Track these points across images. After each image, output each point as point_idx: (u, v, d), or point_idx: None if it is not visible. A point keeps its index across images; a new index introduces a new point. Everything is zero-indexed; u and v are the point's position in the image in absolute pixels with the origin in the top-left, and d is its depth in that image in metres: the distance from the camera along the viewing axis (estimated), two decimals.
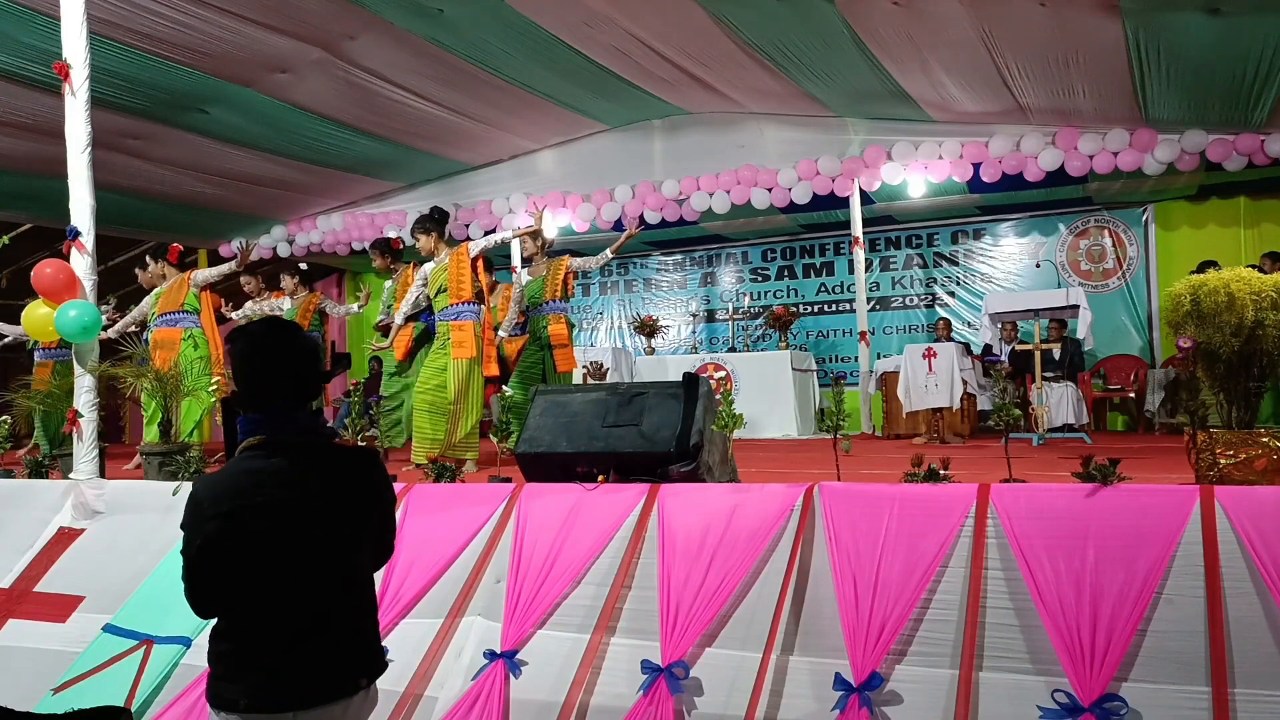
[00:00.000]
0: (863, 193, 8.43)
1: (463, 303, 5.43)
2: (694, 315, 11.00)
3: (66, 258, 4.43)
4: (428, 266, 5.78)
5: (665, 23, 6.43)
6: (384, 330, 6.63)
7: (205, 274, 6.41)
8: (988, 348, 8.59)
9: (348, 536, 1.89)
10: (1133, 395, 8.61)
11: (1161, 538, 2.47)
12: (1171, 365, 7.99)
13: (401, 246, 6.80)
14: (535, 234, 6.23)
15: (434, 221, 5.73)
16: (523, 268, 6.70)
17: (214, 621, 1.85)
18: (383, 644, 1.98)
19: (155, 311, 6.35)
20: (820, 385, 9.30)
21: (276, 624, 1.79)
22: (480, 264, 5.62)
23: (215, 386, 5.31)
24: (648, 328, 9.69)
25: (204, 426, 6.24)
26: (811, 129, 8.45)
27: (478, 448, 5.44)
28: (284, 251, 10.76)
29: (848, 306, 10.44)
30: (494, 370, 5.70)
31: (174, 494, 4.02)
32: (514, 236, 6.05)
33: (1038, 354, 6.53)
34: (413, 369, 6.06)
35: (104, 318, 6.89)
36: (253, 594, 1.78)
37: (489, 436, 4.49)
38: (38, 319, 4.48)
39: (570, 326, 6.28)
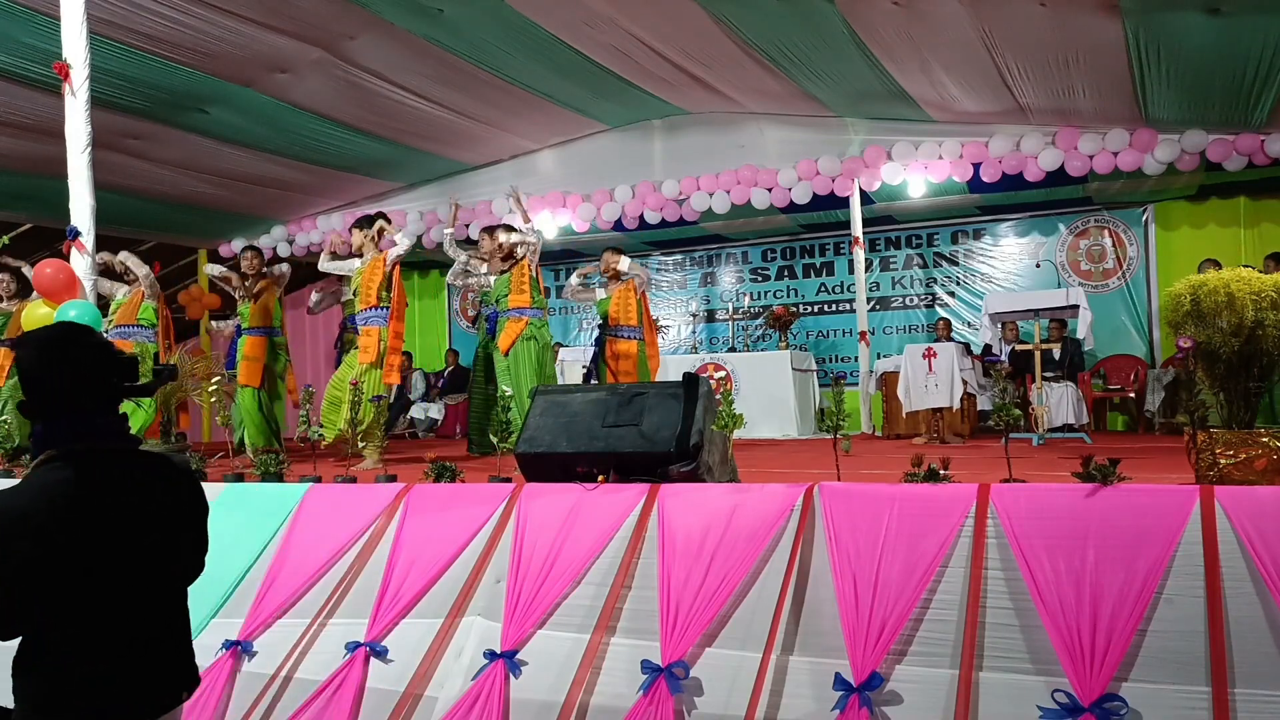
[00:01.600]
0: (863, 193, 8.43)
1: (370, 308, 5.64)
2: (694, 315, 11.00)
3: (66, 258, 4.43)
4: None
5: (665, 23, 6.43)
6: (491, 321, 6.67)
7: (150, 283, 6.39)
8: (988, 348, 8.59)
9: (159, 548, 1.78)
10: (1133, 395, 8.61)
11: (1161, 538, 2.47)
12: (1171, 365, 7.99)
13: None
14: (506, 228, 6.21)
15: (370, 222, 5.89)
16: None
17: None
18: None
19: (114, 321, 6.19)
20: (820, 385, 9.30)
21: (91, 643, 1.67)
22: (396, 272, 5.73)
23: (216, 386, 5.31)
24: None
25: (205, 427, 6.27)
26: (811, 129, 8.45)
27: (377, 446, 5.55)
28: (284, 251, 10.75)
29: (848, 306, 10.44)
30: (395, 379, 5.72)
31: None
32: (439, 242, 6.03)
33: (1038, 354, 6.53)
34: (520, 366, 5.80)
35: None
36: (65, 614, 1.65)
37: (489, 436, 4.50)
38: (37, 319, 4.48)
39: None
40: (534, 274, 5.84)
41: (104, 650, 1.68)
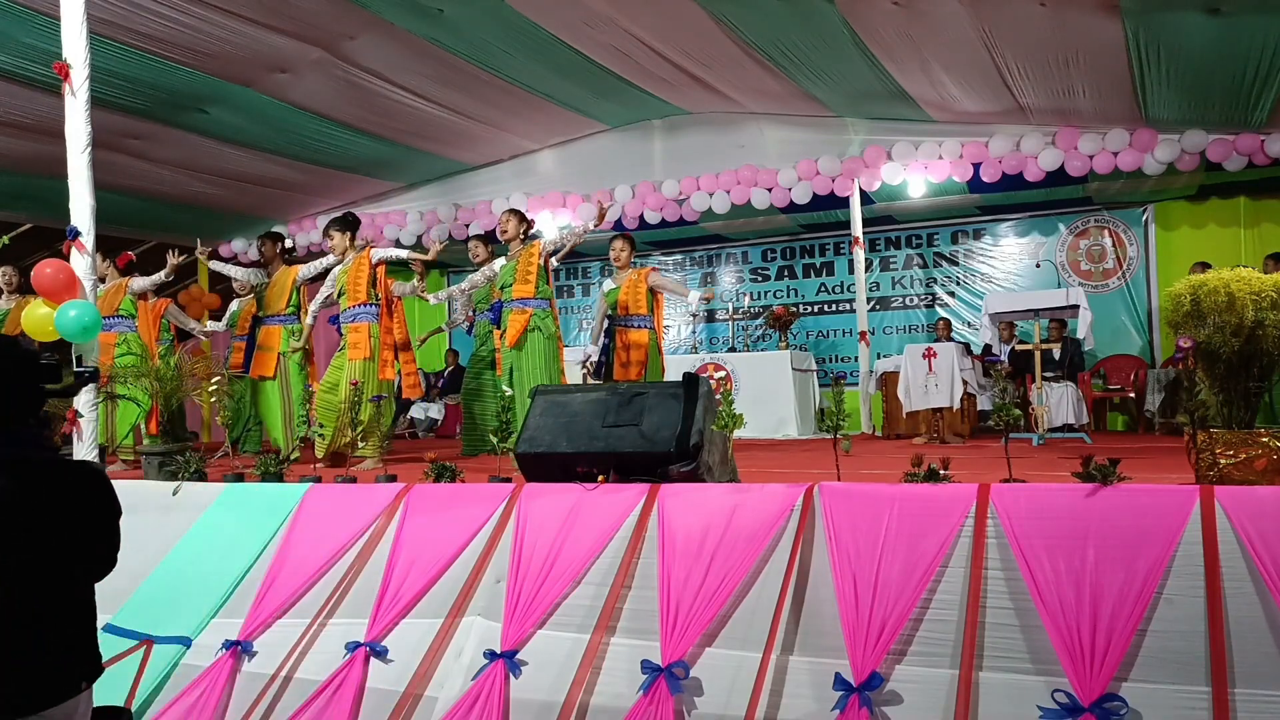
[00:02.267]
0: (863, 193, 8.43)
1: (359, 305, 5.60)
2: (694, 315, 10.99)
3: (66, 258, 4.42)
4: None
5: (665, 23, 6.44)
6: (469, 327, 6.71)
7: (141, 282, 6.42)
8: (988, 348, 8.59)
9: (67, 549, 1.89)
10: (1133, 395, 8.61)
11: (1161, 538, 2.47)
12: (1171, 365, 7.99)
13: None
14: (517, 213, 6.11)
15: (346, 223, 5.85)
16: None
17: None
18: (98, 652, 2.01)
19: None
20: (820, 385, 9.29)
21: None
22: (381, 270, 5.73)
23: (216, 386, 5.32)
24: None
25: (205, 426, 6.25)
26: (811, 129, 8.45)
27: (377, 445, 5.45)
28: None
29: (848, 306, 10.44)
30: (391, 375, 5.72)
31: (174, 494, 4.03)
32: (410, 258, 5.95)
33: (1038, 354, 6.53)
34: (524, 360, 5.75)
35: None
36: None
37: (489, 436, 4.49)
38: (38, 319, 4.47)
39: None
40: (543, 263, 5.75)
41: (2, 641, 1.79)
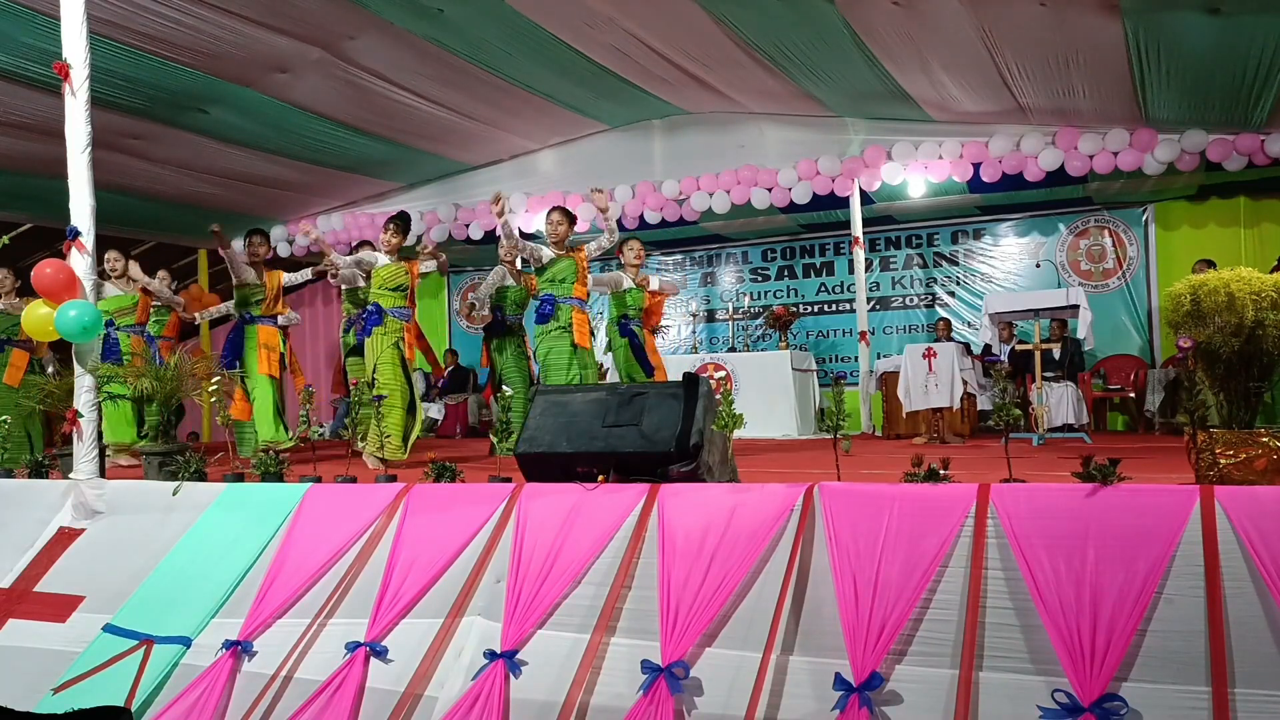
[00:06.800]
0: (863, 193, 8.44)
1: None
2: (694, 315, 11.00)
3: (66, 258, 4.42)
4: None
5: (665, 23, 6.44)
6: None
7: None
8: (988, 348, 8.59)
9: None
10: (1133, 395, 8.61)
11: (1161, 538, 2.47)
12: (1171, 365, 7.99)
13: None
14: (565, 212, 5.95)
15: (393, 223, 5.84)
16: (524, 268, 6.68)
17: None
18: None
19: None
20: (820, 385, 9.30)
21: None
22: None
23: (215, 386, 5.31)
24: None
25: (205, 427, 6.24)
26: (811, 129, 8.46)
27: (376, 442, 5.51)
28: (284, 251, 10.75)
29: (848, 306, 10.44)
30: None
31: (174, 494, 4.03)
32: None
33: (1038, 354, 6.53)
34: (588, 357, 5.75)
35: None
36: None
37: (489, 436, 4.50)
38: (38, 319, 4.47)
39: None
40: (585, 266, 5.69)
41: None
